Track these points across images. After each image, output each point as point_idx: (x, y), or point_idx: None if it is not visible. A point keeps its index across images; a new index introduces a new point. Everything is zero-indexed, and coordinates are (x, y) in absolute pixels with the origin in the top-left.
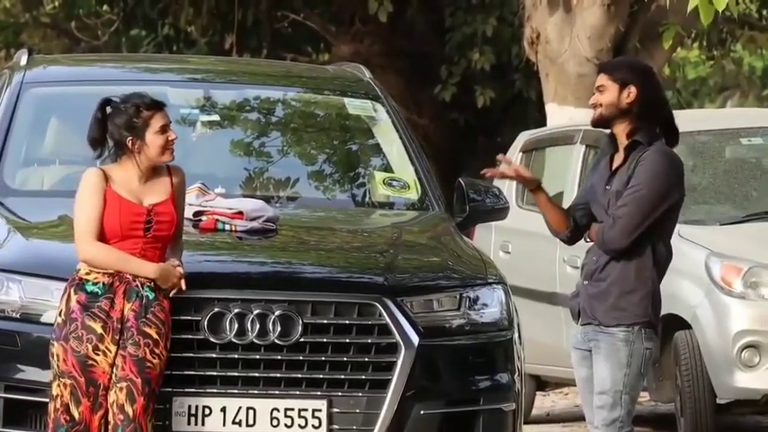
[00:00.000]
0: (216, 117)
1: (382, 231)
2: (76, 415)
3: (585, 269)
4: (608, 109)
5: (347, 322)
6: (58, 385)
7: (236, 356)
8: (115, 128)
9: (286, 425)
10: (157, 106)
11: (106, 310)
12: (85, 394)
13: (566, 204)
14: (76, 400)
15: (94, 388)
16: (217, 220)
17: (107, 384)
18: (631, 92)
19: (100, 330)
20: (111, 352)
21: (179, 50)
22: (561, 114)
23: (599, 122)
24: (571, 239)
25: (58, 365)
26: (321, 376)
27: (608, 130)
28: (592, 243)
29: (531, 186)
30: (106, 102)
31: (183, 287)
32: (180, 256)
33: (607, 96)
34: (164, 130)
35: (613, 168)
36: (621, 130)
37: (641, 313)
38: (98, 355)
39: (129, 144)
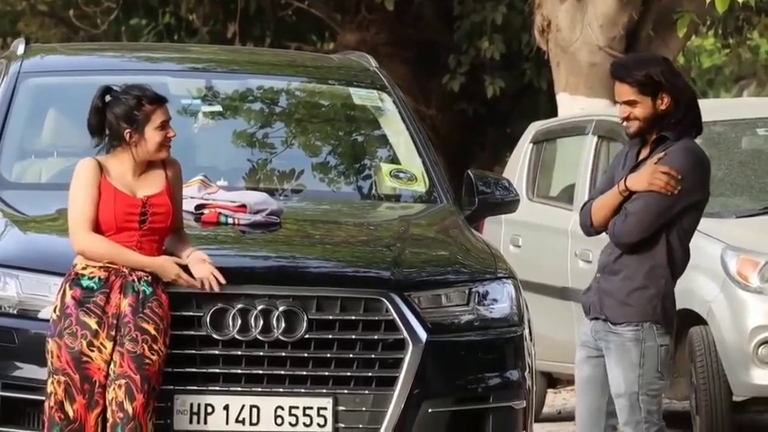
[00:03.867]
0: (218, 108)
1: (389, 224)
2: (71, 413)
3: (600, 262)
4: (646, 122)
5: (353, 318)
6: (53, 382)
7: (240, 353)
8: (114, 118)
9: (290, 423)
10: (160, 101)
11: (101, 306)
12: (80, 391)
13: (579, 197)
14: (71, 397)
15: (89, 385)
16: (219, 213)
17: (103, 381)
18: (665, 99)
19: (95, 326)
20: (106, 348)
21: (180, 39)
22: (573, 104)
23: (638, 135)
24: (597, 232)
25: (52, 362)
26: (326, 373)
27: None
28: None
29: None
30: (106, 90)
31: (222, 280)
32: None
33: (642, 110)
34: (163, 126)
35: (639, 160)
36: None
37: (650, 312)
38: (93, 351)
39: (127, 136)
